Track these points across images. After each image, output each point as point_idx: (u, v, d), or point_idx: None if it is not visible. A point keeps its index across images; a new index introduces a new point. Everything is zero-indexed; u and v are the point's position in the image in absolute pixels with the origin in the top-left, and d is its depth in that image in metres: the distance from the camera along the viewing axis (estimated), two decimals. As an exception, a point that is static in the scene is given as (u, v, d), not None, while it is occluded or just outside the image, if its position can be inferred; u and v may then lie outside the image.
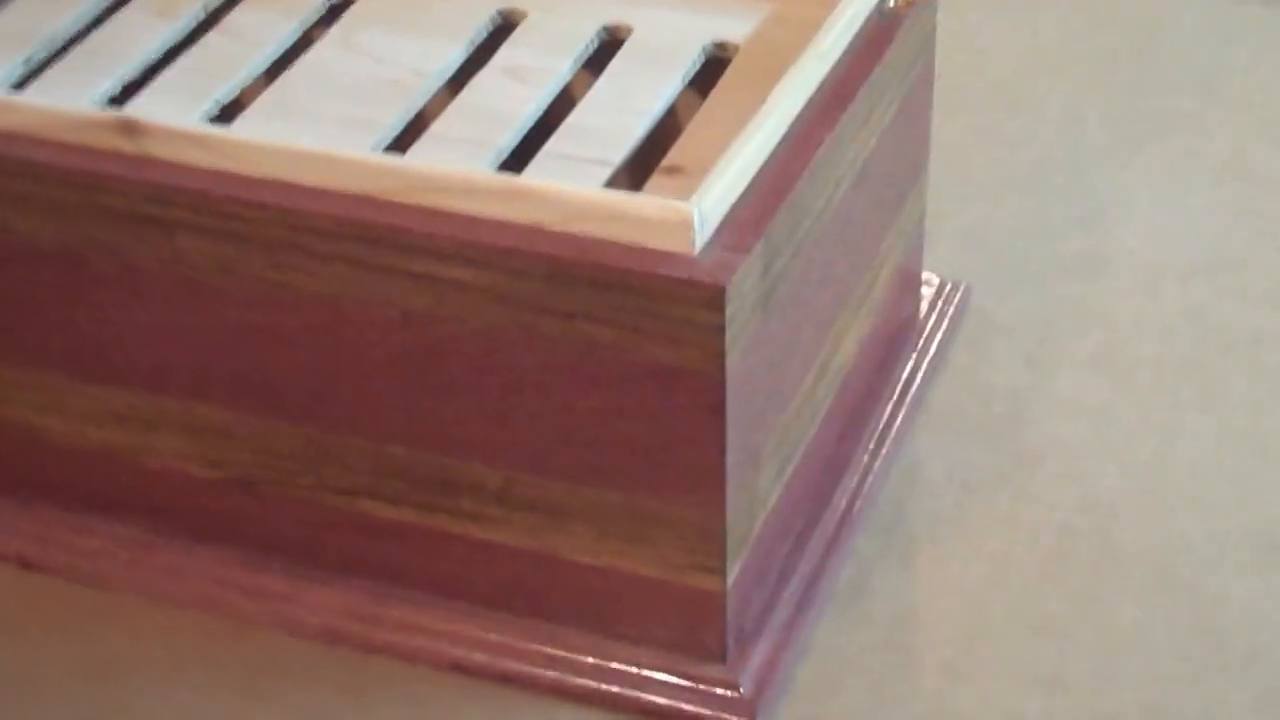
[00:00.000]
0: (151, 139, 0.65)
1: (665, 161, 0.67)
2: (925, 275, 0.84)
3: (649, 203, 0.60)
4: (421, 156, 0.69)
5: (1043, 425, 0.78)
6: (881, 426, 0.76)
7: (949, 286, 0.84)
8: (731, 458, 0.61)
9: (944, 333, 0.82)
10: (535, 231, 0.61)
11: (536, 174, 0.67)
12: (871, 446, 0.75)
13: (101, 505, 0.70)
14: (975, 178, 0.94)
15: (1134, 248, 0.89)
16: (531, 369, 0.61)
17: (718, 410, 0.60)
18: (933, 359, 0.80)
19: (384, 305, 0.62)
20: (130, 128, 0.65)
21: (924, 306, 0.83)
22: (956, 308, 0.83)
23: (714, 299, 0.58)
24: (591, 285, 0.59)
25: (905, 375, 0.79)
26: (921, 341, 0.81)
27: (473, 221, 0.61)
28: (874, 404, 0.76)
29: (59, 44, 0.77)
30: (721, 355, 0.59)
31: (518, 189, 0.61)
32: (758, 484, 0.64)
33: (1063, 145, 0.97)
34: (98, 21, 0.79)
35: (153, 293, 0.66)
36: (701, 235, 0.60)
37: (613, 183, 0.67)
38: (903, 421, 0.77)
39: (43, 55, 0.76)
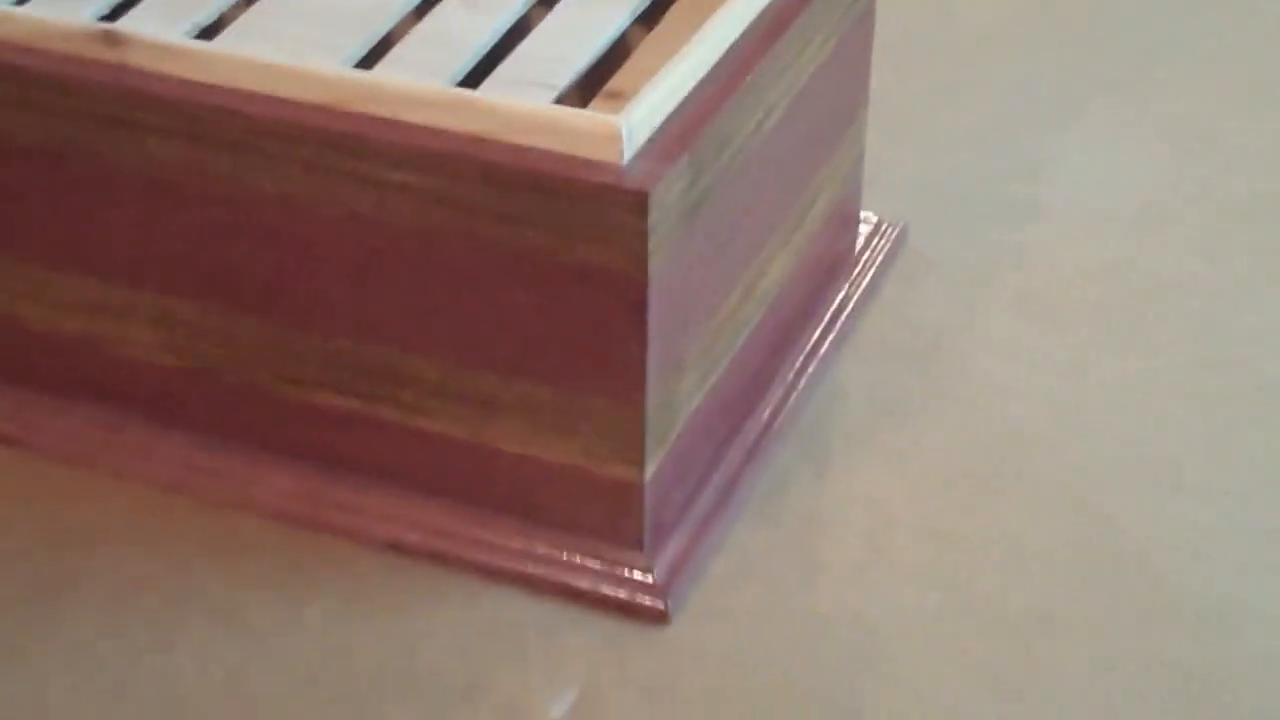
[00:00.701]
0: (130, 49, 0.70)
1: (608, 86, 0.72)
2: (864, 214, 0.88)
3: (581, 116, 0.65)
4: (398, 68, 0.74)
5: (964, 357, 0.83)
6: (809, 349, 0.81)
7: (887, 225, 0.89)
8: (652, 357, 0.66)
9: (878, 268, 0.87)
10: (475, 140, 0.66)
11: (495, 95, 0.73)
12: (798, 366, 0.80)
13: (76, 389, 0.75)
14: (925, 130, 0.99)
15: (1070, 199, 0.93)
16: (468, 269, 0.66)
17: (640, 310, 0.65)
18: (864, 291, 0.85)
19: (333, 206, 0.67)
20: (111, 38, 0.70)
21: (861, 242, 0.87)
22: (892, 245, 0.88)
23: (638, 204, 0.63)
24: (525, 190, 0.64)
25: (836, 304, 0.83)
26: (855, 274, 0.86)
27: (417, 130, 0.66)
28: (803, 328, 0.81)
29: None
30: (644, 258, 0.64)
31: (460, 100, 0.66)
32: (679, 386, 0.69)
33: (1012, 104, 1.01)
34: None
35: (125, 192, 0.71)
36: (630, 147, 0.65)
37: (558, 104, 0.71)
38: (830, 346, 0.82)
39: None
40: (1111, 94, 1.01)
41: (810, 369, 0.80)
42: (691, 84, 0.68)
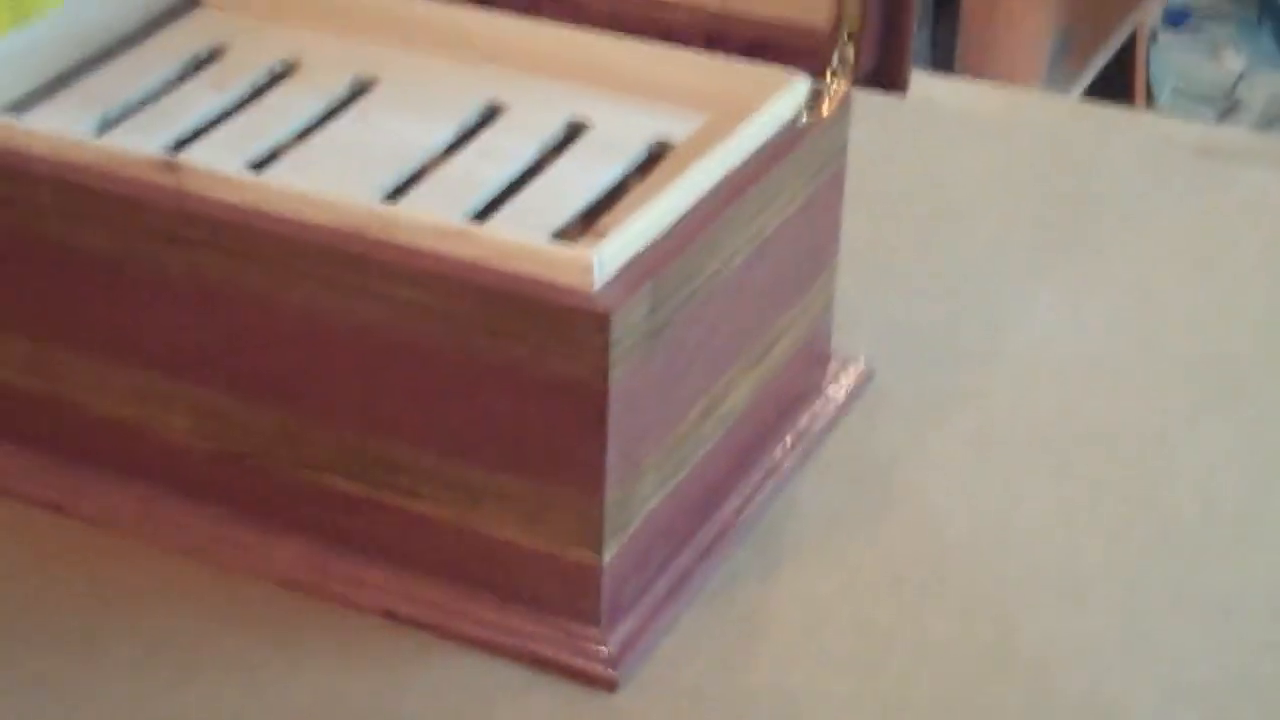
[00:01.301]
0: (186, 176, 0.82)
1: (596, 225, 0.84)
2: (835, 350, 0.99)
3: (560, 249, 0.77)
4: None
5: (912, 482, 0.93)
6: (770, 467, 0.91)
7: (855, 363, 1.00)
8: (611, 459, 0.77)
9: (843, 400, 0.97)
10: (471, 266, 0.77)
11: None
12: (757, 480, 0.90)
13: (120, 466, 0.87)
14: (900, 278, 1.10)
15: (1026, 349, 1.04)
16: (459, 375, 0.78)
17: (601, 416, 0.76)
18: (828, 420, 0.95)
19: (348, 317, 0.79)
20: (171, 167, 0.83)
21: (829, 377, 0.98)
22: (859, 382, 0.99)
23: (601, 324, 0.74)
24: (509, 310, 0.76)
25: (799, 429, 0.94)
26: (821, 404, 0.96)
27: (422, 255, 0.78)
28: (766, 448, 0.91)
29: (133, 106, 0.95)
30: (606, 371, 0.75)
31: (461, 231, 0.78)
32: (638, 486, 0.80)
33: (985, 258, 1.12)
34: (166, 90, 0.96)
35: (174, 298, 0.83)
36: (600, 277, 0.76)
37: (556, 237, 0.83)
38: (790, 465, 0.92)
39: (117, 113, 0.94)
40: (1077, 254, 1.12)
41: (769, 484, 0.91)
42: (660, 228, 0.79)
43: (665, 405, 0.81)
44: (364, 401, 0.81)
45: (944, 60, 2.16)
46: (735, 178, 0.85)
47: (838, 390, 0.98)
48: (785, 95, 0.90)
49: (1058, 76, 2.11)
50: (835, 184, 0.93)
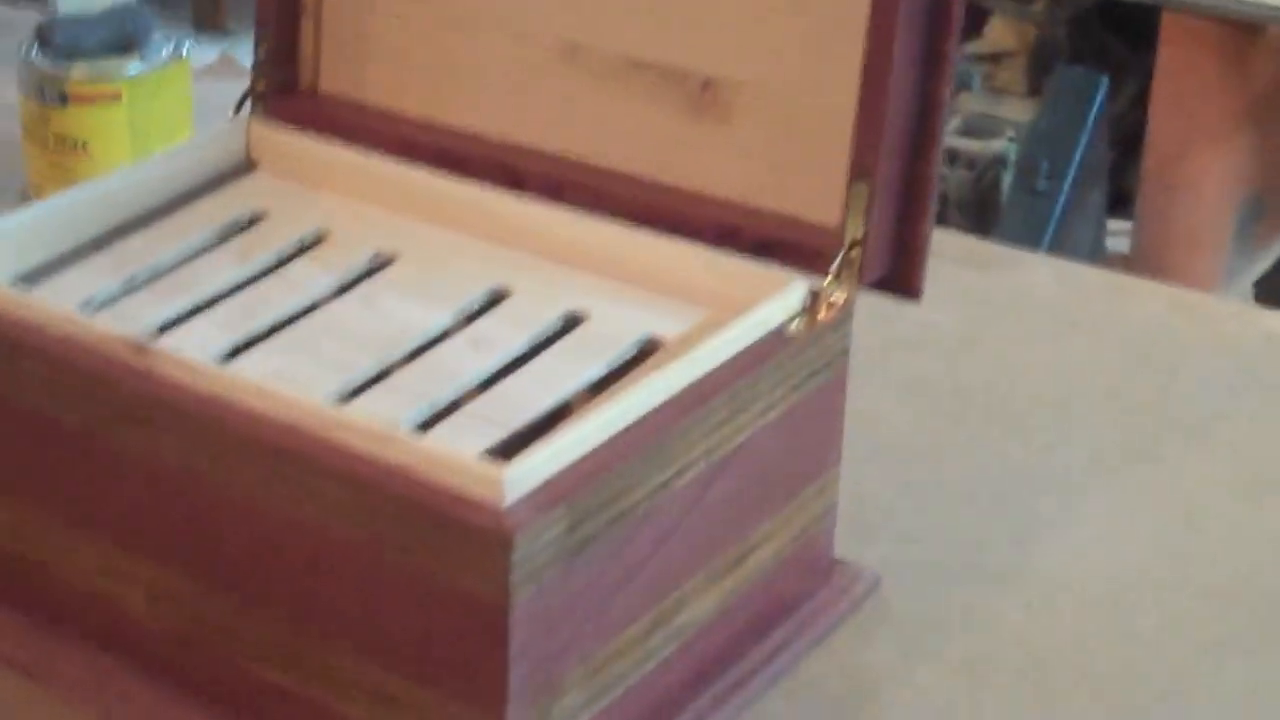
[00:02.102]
0: (155, 359, 0.84)
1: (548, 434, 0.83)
2: (841, 557, 0.96)
3: (475, 462, 0.76)
4: (373, 400, 0.86)
5: (894, 708, 0.89)
6: (733, 683, 0.89)
7: (859, 573, 0.96)
8: (517, 677, 0.75)
9: (835, 615, 0.94)
10: (394, 472, 0.77)
11: (451, 427, 0.84)
12: (716, 696, 0.88)
13: (91, 636, 0.88)
14: (940, 482, 1.06)
15: (1042, 571, 0.99)
16: (383, 581, 0.77)
17: (502, 635, 0.74)
18: (813, 635, 0.92)
19: (285, 511, 0.79)
20: (141, 350, 0.84)
21: (825, 587, 0.95)
22: (859, 594, 0.96)
23: (503, 544, 0.73)
24: (421, 522, 0.75)
25: (777, 644, 0.91)
26: (808, 618, 0.93)
27: (356, 457, 0.78)
28: (732, 663, 0.89)
29: (160, 271, 0.97)
30: (508, 591, 0.74)
31: (390, 438, 0.78)
32: (557, 704, 0.78)
33: (1035, 465, 1.08)
34: (196, 256, 0.98)
35: (137, 477, 0.84)
36: (511, 494, 0.75)
37: (503, 444, 0.82)
38: (758, 684, 0.89)
39: (143, 277, 0.96)
40: (1133, 466, 1.07)
41: (732, 701, 0.88)
42: (590, 444, 0.78)
43: (595, 622, 0.79)
44: (298, 596, 0.81)
45: (1123, 209, 2.11)
46: (696, 388, 0.83)
47: (833, 602, 0.95)
48: (774, 300, 0.88)
49: (1245, 244, 2.04)
50: (831, 391, 0.91)
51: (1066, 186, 1.94)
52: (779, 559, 0.91)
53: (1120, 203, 2.18)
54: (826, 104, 0.90)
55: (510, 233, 0.97)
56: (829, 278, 0.89)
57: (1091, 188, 2.02)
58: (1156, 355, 1.20)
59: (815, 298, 0.89)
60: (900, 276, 0.92)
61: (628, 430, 0.80)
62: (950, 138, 2.19)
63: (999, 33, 2.21)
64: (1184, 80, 2.00)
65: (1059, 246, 1.96)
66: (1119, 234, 2.25)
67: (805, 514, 0.92)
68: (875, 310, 1.25)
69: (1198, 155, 2.02)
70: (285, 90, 1.07)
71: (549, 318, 0.92)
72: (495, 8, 0.99)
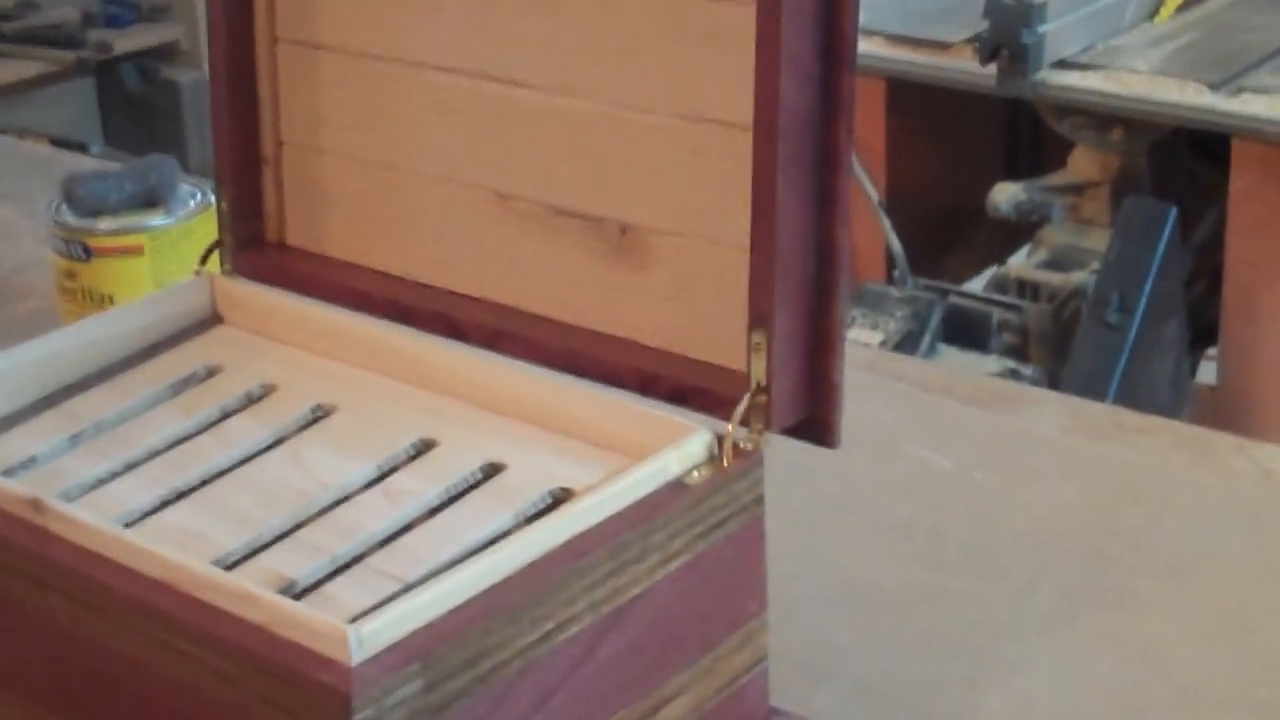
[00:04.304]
0: (51, 518, 0.85)
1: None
2: (777, 710, 0.94)
3: (325, 621, 0.76)
4: (277, 556, 0.87)
5: None
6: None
7: (793, 725, 0.94)
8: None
9: (763, 767, 0.92)
10: (253, 630, 0.77)
11: (349, 582, 0.84)
12: None
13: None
14: (904, 626, 1.04)
15: (999, 715, 0.96)
16: (237, 737, 0.77)
17: (353, 800, 0.74)
18: (734, 788, 0.90)
19: (162, 670, 0.80)
20: (39, 506, 0.86)
21: (758, 739, 0.93)
22: (792, 746, 0.94)
23: (343, 705, 0.73)
24: (276, 682, 0.75)
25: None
26: (730, 770, 0.91)
27: (221, 616, 0.78)
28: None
29: (105, 426, 0.99)
30: (350, 754, 0.73)
31: (252, 597, 0.78)
32: None
33: (1004, 608, 1.05)
34: (144, 411, 1.00)
35: (34, 633, 0.85)
36: (360, 653, 0.75)
37: (398, 596, 0.82)
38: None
39: (88, 433, 0.98)
40: (1079, 609, 1.04)
41: None
42: (452, 600, 0.78)
43: (461, 778, 0.78)
44: (168, 751, 0.81)
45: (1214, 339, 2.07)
46: (577, 541, 0.82)
47: (762, 754, 0.93)
48: (671, 449, 0.87)
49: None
50: (744, 540, 0.89)
51: (1138, 319, 1.90)
52: (701, 712, 0.90)
53: (1211, 332, 2.13)
54: (731, 250, 0.90)
55: (446, 382, 0.98)
56: (733, 424, 0.88)
57: (1167, 319, 1.97)
58: (1149, 494, 1.17)
59: (721, 445, 0.88)
60: (816, 422, 0.91)
61: (496, 586, 0.79)
62: (1030, 270, 2.16)
63: (1081, 163, 2.19)
64: (1258, 207, 1.96)
65: (1133, 380, 1.92)
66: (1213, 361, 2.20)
67: (728, 666, 0.91)
68: (871, 451, 1.24)
69: (1276, 279, 1.97)
70: (252, 243, 1.09)
71: (469, 468, 0.92)
72: (432, 155, 1.01)
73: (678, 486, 0.86)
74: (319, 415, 0.98)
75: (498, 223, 0.99)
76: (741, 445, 0.88)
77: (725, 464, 0.88)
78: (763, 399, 0.88)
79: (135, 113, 3.61)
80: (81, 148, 3.55)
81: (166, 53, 3.51)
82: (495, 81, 0.96)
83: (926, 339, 2.02)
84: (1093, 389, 1.93)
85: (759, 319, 0.87)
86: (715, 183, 0.90)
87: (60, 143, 3.50)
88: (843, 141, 0.85)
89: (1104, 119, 2.06)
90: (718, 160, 0.89)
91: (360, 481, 0.93)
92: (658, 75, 0.90)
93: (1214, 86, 1.95)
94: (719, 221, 0.90)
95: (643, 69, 0.90)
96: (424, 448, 0.95)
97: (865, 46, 2.11)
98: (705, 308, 0.92)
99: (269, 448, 0.96)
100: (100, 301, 1.38)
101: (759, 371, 0.88)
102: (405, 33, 0.99)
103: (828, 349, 0.89)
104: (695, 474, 0.87)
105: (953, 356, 2.05)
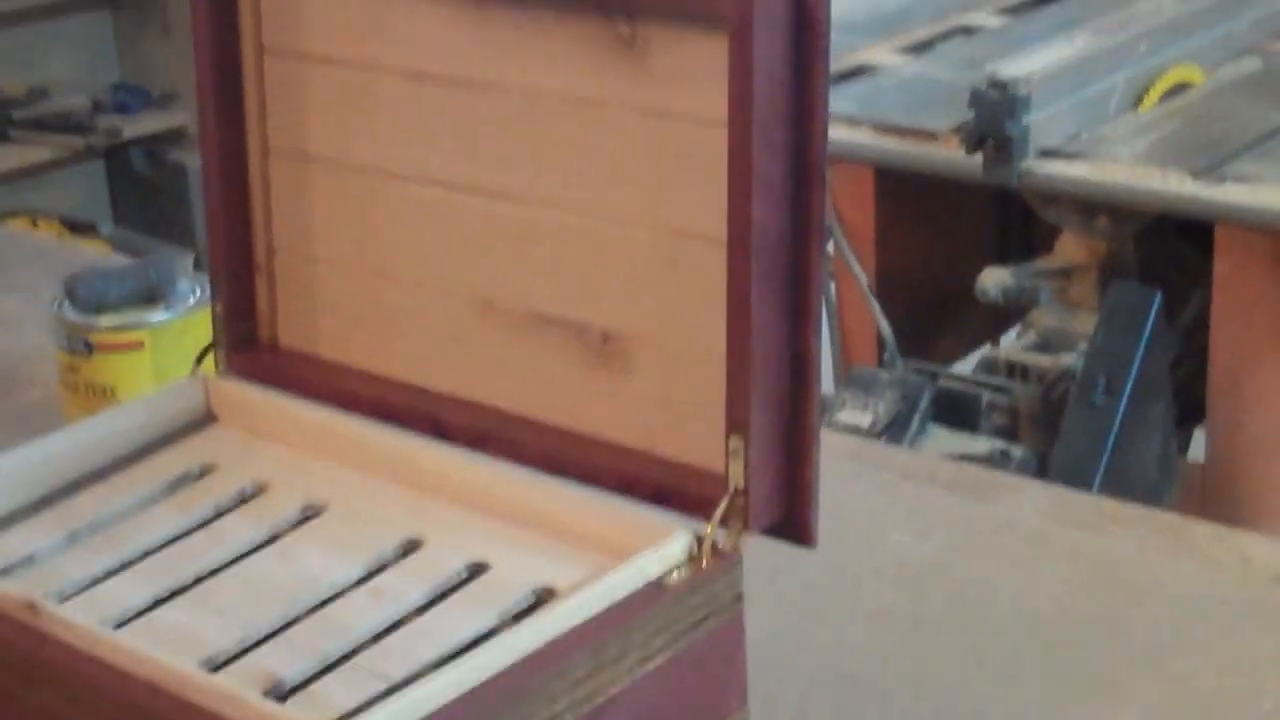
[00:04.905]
0: (44, 620, 0.88)
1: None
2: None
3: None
4: (267, 654, 0.89)
5: None
6: None
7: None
8: None
9: None
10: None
11: (337, 681, 0.87)
12: None
13: None
14: (885, 717, 1.06)
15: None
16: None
17: None
18: None
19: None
20: (33, 609, 0.88)
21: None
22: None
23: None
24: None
25: None
26: None
27: (203, 715, 0.81)
28: None
29: (102, 524, 1.02)
30: None
31: (234, 698, 0.81)
32: None
33: (982, 699, 1.08)
34: (140, 509, 1.03)
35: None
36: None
37: (384, 696, 0.85)
38: None
39: (84, 532, 1.01)
40: (1056, 700, 1.06)
41: None
42: (432, 704, 0.80)
43: None
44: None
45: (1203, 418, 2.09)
46: (558, 643, 0.85)
47: None
48: (651, 550, 0.90)
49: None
50: (724, 637, 0.92)
51: (1124, 401, 1.93)
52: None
53: (1199, 410, 2.15)
54: (709, 357, 0.92)
55: (432, 481, 1.01)
56: (712, 525, 0.90)
57: (1154, 400, 2.00)
58: (1129, 582, 1.19)
59: (700, 545, 0.91)
60: (793, 522, 0.93)
61: (480, 686, 0.82)
62: (1019, 353, 2.19)
63: (1068, 249, 2.22)
64: (1242, 291, 1.99)
65: (1120, 460, 1.95)
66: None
67: (709, 757, 0.93)
68: (855, 538, 1.26)
69: (1261, 364, 2.00)
70: (246, 344, 1.11)
71: (454, 567, 0.95)
72: (419, 263, 1.04)
73: (657, 587, 0.89)
74: (309, 514, 1.01)
75: (483, 328, 1.02)
76: (720, 545, 0.91)
77: (704, 564, 0.90)
78: (741, 501, 0.91)
79: (144, 195, 3.65)
80: (91, 228, 3.60)
81: (174, 137, 3.56)
82: (481, 194, 0.99)
83: (916, 420, 2.05)
84: (1081, 470, 1.96)
85: (736, 425, 0.90)
86: (693, 293, 0.93)
87: (70, 224, 3.54)
88: (814, 257, 0.88)
89: (1090, 206, 2.09)
90: (695, 272, 0.92)
91: (348, 580, 0.95)
92: (637, 191, 0.93)
93: (1197, 175, 1.98)
94: (697, 330, 0.93)
95: (622, 184, 0.94)
96: (411, 547, 0.97)
97: (854, 135, 2.14)
98: (684, 412, 0.95)
99: (261, 546, 0.99)
100: (102, 394, 1.41)
101: (737, 474, 0.91)
102: (394, 146, 1.02)
103: (803, 452, 0.92)
104: (675, 574, 0.90)
105: (942, 437, 2.07)
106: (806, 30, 0.86)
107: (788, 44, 0.86)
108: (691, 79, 0.89)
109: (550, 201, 0.97)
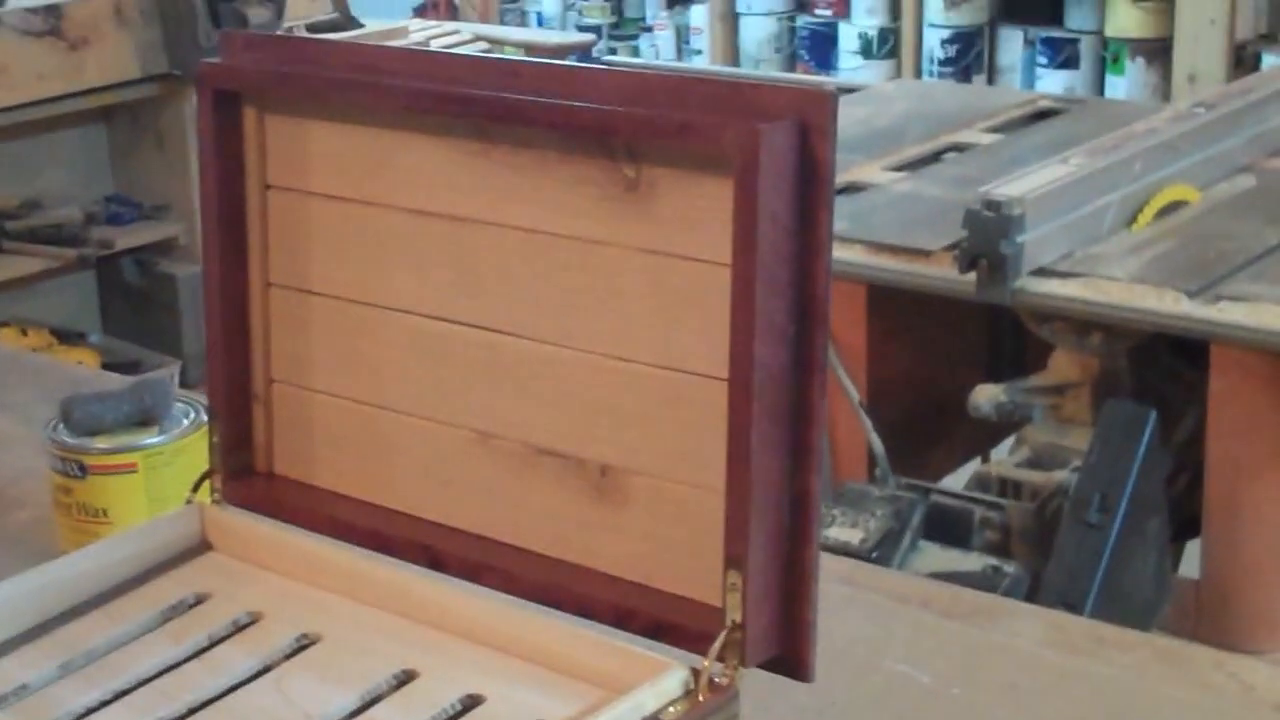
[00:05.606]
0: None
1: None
2: None
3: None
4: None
5: None
6: None
7: None
8: None
9: None
10: None
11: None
12: None
13: None
14: None
15: None
16: None
17: None
18: None
19: None
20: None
21: None
22: None
23: None
24: None
25: None
26: None
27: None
28: None
29: (96, 654, 1.01)
30: None
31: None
32: None
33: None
34: (134, 638, 1.02)
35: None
36: None
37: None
38: None
39: (79, 662, 1.00)
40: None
41: None
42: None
43: None
44: None
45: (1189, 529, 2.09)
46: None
47: None
48: (647, 685, 0.89)
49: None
50: (726, 746, 0.91)
51: (1118, 519, 1.93)
52: None
53: (1194, 525, 2.15)
54: (707, 492, 0.92)
55: (428, 613, 1.01)
56: (709, 660, 0.90)
57: (1149, 518, 2.00)
58: (1128, 710, 1.19)
59: (697, 680, 0.90)
60: (789, 657, 0.93)
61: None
62: (1012, 469, 2.19)
63: (1062, 365, 2.22)
64: (1238, 409, 1.99)
65: (1115, 578, 1.95)
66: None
67: None
68: (849, 666, 1.26)
69: (1257, 481, 2.00)
70: (242, 474, 1.11)
71: (448, 700, 0.95)
72: (418, 396, 1.04)
73: (654, 721, 0.89)
74: (303, 644, 1.01)
75: (480, 460, 1.02)
76: (717, 680, 0.91)
77: (701, 699, 0.90)
78: (738, 636, 0.91)
79: (134, 304, 3.65)
80: (81, 337, 3.59)
81: (165, 247, 3.57)
82: (480, 329, 1.00)
83: (908, 537, 2.04)
84: (1075, 588, 1.95)
85: (734, 561, 0.90)
86: (693, 429, 0.93)
87: (61, 334, 3.54)
88: (816, 397, 0.88)
89: (1084, 324, 2.10)
90: (696, 409, 0.93)
91: (342, 712, 0.95)
92: (638, 327, 0.94)
93: (1192, 294, 1.99)
94: (695, 465, 0.93)
95: (624, 321, 0.94)
96: (405, 679, 0.97)
97: (847, 254, 2.15)
98: (682, 546, 0.95)
99: (254, 676, 0.99)
100: (95, 516, 1.40)
101: (734, 609, 0.91)
102: (394, 281, 1.02)
103: (801, 589, 0.92)
104: (671, 710, 0.89)
105: (934, 554, 2.06)
106: (811, 174, 0.86)
107: (792, 187, 0.86)
108: (695, 220, 0.90)
109: (550, 337, 0.97)
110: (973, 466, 2.35)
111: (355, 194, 1.04)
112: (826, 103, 0.87)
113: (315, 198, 1.05)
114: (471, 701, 0.95)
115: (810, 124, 0.87)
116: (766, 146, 0.85)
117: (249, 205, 1.05)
